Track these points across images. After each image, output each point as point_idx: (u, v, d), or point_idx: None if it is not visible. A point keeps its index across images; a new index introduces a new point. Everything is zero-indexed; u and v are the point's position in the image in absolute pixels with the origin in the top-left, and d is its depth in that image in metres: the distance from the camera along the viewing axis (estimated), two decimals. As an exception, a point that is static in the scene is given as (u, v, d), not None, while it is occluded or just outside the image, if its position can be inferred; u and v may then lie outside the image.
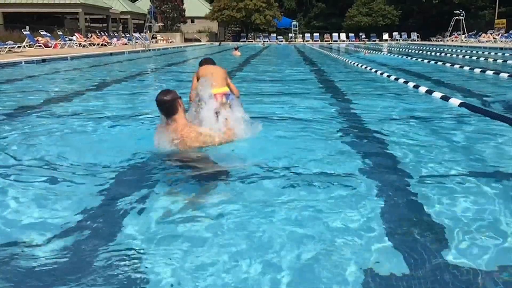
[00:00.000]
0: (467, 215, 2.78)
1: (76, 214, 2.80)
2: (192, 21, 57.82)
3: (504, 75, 11.16)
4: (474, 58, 19.21)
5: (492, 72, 12.08)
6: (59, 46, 27.87)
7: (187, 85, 9.62)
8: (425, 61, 17.59)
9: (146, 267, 2.20)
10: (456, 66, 14.69)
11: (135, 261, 2.26)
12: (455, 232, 2.54)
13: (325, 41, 54.58)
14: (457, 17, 39.34)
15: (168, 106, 3.79)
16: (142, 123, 5.56)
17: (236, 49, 23.07)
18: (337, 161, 3.94)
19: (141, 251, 2.35)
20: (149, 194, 3.13)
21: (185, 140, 3.75)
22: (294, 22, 57.01)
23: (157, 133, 3.97)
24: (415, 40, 52.22)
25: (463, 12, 39.83)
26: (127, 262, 2.24)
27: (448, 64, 15.56)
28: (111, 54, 23.16)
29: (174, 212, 2.82)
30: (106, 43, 33.74)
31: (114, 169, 3.66)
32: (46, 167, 3.74)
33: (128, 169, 3.68)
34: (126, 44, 35.47)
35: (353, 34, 55.40)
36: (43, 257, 2.29)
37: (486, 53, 22.97)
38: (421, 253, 2.30)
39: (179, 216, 2.76)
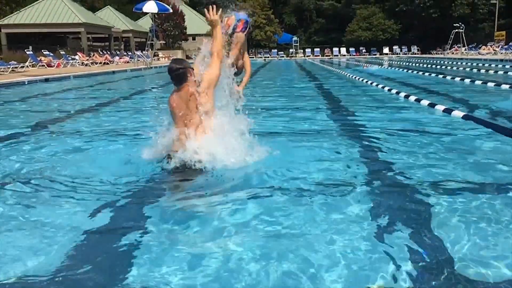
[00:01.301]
0: (475, 231, 2.76)
1: (77, 229, 2.79)
2: (194, 39, 58.24)
3: (505, 87, 11.18)
4: (475, 70, 19.26)
5: (494, 84, 12.11)
6: (62, 65, 28.08)
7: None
8: (426, 74, 17.64)
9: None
10: (457, 78, 14.73)
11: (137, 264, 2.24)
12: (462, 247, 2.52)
13: (326, 55, 54.87)
14: (456, 30, 39.61)
15: (178, 74, 3.91)
16: (145, 139, 5.56)
17: None
18: (337, 174, 3.92)
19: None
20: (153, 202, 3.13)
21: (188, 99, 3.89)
22: (295, 38, 57.41)
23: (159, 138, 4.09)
24: (415, 54, 52.47)
25: (463, 25, 40.12)
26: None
27: (448, 77, 15.60)
28: (113, 72, 23.32)
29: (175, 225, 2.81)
30: (108, 62, 33.97)
31: (118, 186, 3.66)
32: (48, 184, 3.74)
33: (132, 186, 3.67)
34: (128, 62, 35.72)
35: (353, 49, 55.71)
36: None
37: (486, 65, 23.03)
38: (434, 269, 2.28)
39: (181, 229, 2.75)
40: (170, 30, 52.60)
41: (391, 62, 31.14)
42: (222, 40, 4.21)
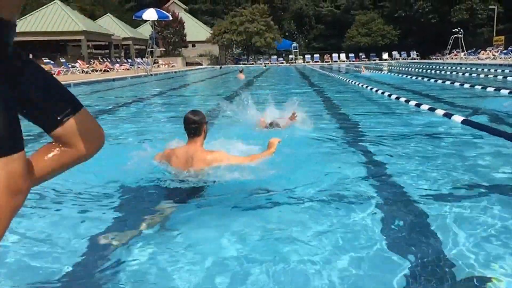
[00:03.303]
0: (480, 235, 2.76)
1: (76, 233, 2.79)
2: (193, 45, 58.43)
3: (504, 91, 11.20)
4: (474, 75, 19.29)
5: (493, 88, 12.13)
6: (62, 73, 28.15)
7: (188, 107, 9.70)
8: (425, 79, 17.68)
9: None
10: (457, 83, 14.76)
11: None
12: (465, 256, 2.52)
13: (325, 61, 54.99)
14: (455, 35, 39.72)
15: (194, 127, 3.85)
16: (144, 147, 5.57)
17: (240, 71, 23.24)
18: (338, 180, 3.92)
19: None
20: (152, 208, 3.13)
21: (193, 159, 3.79)
22: (294, 44, 57.55)
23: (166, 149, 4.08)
24: (414, 59, 52.60)
25: (462, 30, 40.23)
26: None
27: (448, 82, 15.63)
28: (113, 79, 23.37)
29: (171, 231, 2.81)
30: (108, 69, 34.05)
31: (115, 192, 3.66)
32: (44, 190, 3.74)
33: (130, 193, 3.67)
34: (128, 69, 35.81)
35: (353, 54, 55.85)
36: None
37: (486, 70, 23.08)
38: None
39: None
40: (170, 37, 52.77)
41: (390, 67, 31.20)
42: (261, 160, 4.03)
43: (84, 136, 1.77)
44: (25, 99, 1.69)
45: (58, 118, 1.72)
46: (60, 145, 1.76)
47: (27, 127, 1.66)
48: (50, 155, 1.77)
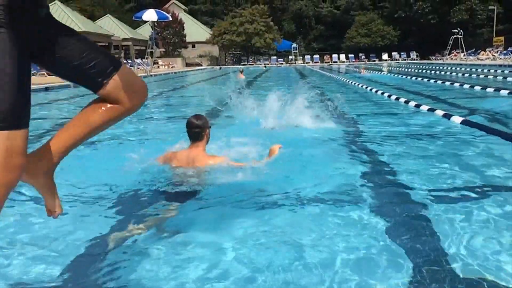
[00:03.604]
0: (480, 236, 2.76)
1: (75, 235, 2.79)
2: (193, 46, 58.44)
3: (504, 92, 11.21)
4: (474, 75, 19.30)
5: (493, 89, 12.13)
6: (62, 74, 28.10)
7: (188, 108, 9.76)
8: (425, 79, 17.69)
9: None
10: (456, 84, 14.76)
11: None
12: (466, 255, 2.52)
13: (325, 62, 55.01)
14: (455, 36, 39.74)
15: (196, 131, 3.86)
16: (142, 147, 5.57)
17: (241, 72, 23.25)
18: (338, 181, 3.92)
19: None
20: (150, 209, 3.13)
21: (194, 160, 3.81)
22: (294, 45, 57.57)
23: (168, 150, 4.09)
24: (414, 59, 52.63)
25: (461, 30, 40.26)
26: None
27: (448, 83, 15.63)
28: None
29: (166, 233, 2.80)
30: (108, 70, 33.99)
31: (114, 193, 3.66)
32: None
33: (129, 194, 3.67)
34: (128, 70, 35.68)
35: (352, 55, 55.88)
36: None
37: (486, 70, 23.09)
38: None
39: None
40: (170, 38, 52.79)
41: (390, 68, 31.22)
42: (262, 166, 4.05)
43: (128, 91, 1.85)
44: (66, 66, 1.76)
45: (100, 79, 1.80)
46: (107, 101, 1.85)
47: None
48: (98, 111, 1.86)
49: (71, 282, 2.34)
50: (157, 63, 45.25)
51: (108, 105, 1.86)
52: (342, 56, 56.50)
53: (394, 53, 55.40)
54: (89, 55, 1.78)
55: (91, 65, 1.77)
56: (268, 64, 52.65)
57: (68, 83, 19.81)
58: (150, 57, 32.83)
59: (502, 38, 44.19)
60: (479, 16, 52.17)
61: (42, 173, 1.86)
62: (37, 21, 1.66)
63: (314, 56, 57.62)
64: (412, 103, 9.26)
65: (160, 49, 52.27)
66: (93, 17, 53.16)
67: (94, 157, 5.17)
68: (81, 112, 1.90)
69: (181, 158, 3.89)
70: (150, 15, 29.09)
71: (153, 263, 2.49)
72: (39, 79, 24.11)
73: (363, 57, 55.26)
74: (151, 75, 28.58)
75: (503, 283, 2.19)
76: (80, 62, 1.76)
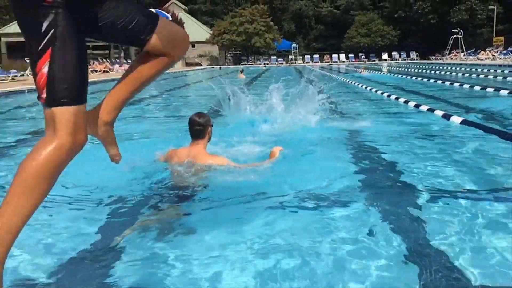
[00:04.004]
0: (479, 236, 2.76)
1: (75, 236, 2.79)
2: (193, 46, 58.33)
3: (504, 92, 11.21)
4: (474, 75, 19.30)
5: (493, 89, 12.14)
6: (62, 74, 28.08)
7: (188, 108, 9.76)
8: (425, 79, 17.69)
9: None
10: (456, 84, 14.76)
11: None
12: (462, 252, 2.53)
13: (325, 62, 55.00)
14: (455, 36, 39.76)
15: (198, 129, 3.86)
16: (142, 148, 5.58)
17: (241, 72, 23.26)
18: (338, 181, 3.93)
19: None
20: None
21: (194, 157, 3.82)
22: (294, 44, 57.56)
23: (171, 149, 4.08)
24: (414, 59, 52.64)
25: (461, 30, 40.28)
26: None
27: (447, 82, 15.64)
28: (113, 80, 23.35)
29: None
30: (108, 70, 34.07)
31: (114, 193, 3.66)
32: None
33: (130, 192, 3.68)
34: (128, 70, 35.71)
35: (352, 55, 55.87)
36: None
37: (485, 70, 23.09)
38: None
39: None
40: (170, 37, 52.72)
41: (390, 68, 31.22)
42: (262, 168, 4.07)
43: (170, 42, 1.99)
44: (111, 30, 1.88)
45: (143, 37, 1.92)
46: (153, 54, 1.99)
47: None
48: (146, 64, 2.01)
49: (73, 281, 2.34)
50: (157, 62, 45.12)
51: (154, 58, 2.00)
52: (342, 56, 56.48)
53: (394, 53, 55.39)
54: (129, 15, 1.88)
55: (133, 25, 1.89)
56: (268, 64, 52.63)
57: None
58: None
59: (502, 38, 44.20)
60: (479, 16, 52.18)
61: (103, 126, 2.08)
62: None
63: (314, 56, 57.59)
64: (411, 103, 9.26)
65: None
66: (93, 17, 53.04)
67: (95, 157, 5.17)
68: (130, 68, 2.06)
69: (182, 155, 3.90)
70: (150, 14, 29.04)
71: (151, 262, 2.49)
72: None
73: (363, 57, 55.25)
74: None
75: (504, 283, 2.20)
76: (123, 24, 1.87)
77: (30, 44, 1.72)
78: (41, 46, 1.68)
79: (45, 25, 1.67)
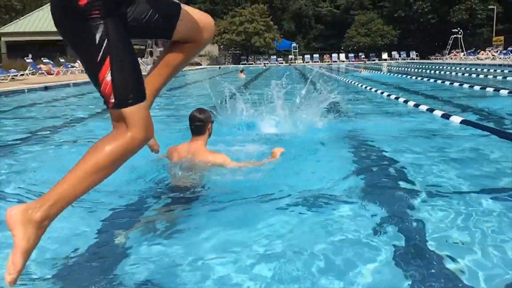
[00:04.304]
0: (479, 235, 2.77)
1: (73, 233, 2.79)
2: (193, 45, 58.35)
3: (504, 92, 11.21)
4: (474, 75, 19.30)
5: (493, 89, 12.13)
6: (62, 73, 28.12)
7: (188, 107, 9.70)
8: (425, 79, 17.69)
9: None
10: (456, 83, 14.76)
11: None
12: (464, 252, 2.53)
13: (325, 61, 54.96)
14: (455, 35, 39.76)
15: (198, 125, 3.87)
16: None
17: (241, 71, 23.25)
18: (338, 181, 3.93)
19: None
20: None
21: (194, 153, 3.82)
22: (294, 44, 57.52)
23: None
24: (414, 59, 52.62)
25: (461, 30, 40.27)
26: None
27: (447, 82, 15.63)
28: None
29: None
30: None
31: (115, 193, 3.66)
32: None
33: (130, 194, 3.68)
34: (127, 69, 35.65)
35: (352, 54, 55.84)
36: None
37: (485, 70, 23.08)
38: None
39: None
40: (170, 37, 52.74)
41: (389, 67, 31.21)
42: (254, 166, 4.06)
43: (195, 29, 2.09)
44: (137, 26, 1.99)
45: (168, 28, 2.04)
46: (182, 42, 2.11)
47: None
48: (175, 52, 2.13)
49: (75, 279, 2.35)
50: (157, 62, 45.15)
51: (182, 46, 2.11)
52: (342, 56, 56.44)
53: (394, 53, 55.36)
54: (152, 8, 1.99)
55: (156, 18, 2.00)
56: (268, 63, 52.61)
57: (67, 82, 19.82)
58: (150, 56, 32.83)
59: (502, 37, 44.19)
60: (478, 16, 52.17)
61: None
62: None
63: (314, 55, 57.54)
64: (411, 103, 9.27)
65: (160, 48, 52.20)
66: (92, 16, 53.00)
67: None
68: (159, 58, 2.19)
69: (182, 152, 3.90)
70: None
71: (151, 262, 2.49)
72: (39, 78, 24.11)
73: (362, 56, 55.21)
74: (151, 75, 28.46)
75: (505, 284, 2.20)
76: (147, 18, 1.98)
77: (83, 55, 1.88)
78: (99, 57, 1.80)
79: (98, 37, 1.79)
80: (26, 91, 16.43)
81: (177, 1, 2.07)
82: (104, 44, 1.79)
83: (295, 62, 54.65)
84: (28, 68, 25.81)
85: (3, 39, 39.75)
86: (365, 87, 14.37)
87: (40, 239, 1.80)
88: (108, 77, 1.82)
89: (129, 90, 1.84)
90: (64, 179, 1.88)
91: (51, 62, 29.58)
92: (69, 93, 16.03)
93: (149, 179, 3.88)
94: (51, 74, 27.13)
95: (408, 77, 20.14)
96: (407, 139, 5.90)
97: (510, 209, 3.16)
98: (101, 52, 1.80)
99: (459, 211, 3.13)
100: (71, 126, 8.04)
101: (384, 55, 55.20)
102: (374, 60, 53.59)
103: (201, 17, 2.12)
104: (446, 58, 43.19)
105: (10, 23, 41.56)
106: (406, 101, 9.71)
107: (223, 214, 3.21)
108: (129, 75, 1.85)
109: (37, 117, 9.53)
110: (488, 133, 5.87)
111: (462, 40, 40.33)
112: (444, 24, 50.43)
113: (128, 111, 1.84)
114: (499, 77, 17.28)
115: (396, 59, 53.44)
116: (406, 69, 29.11)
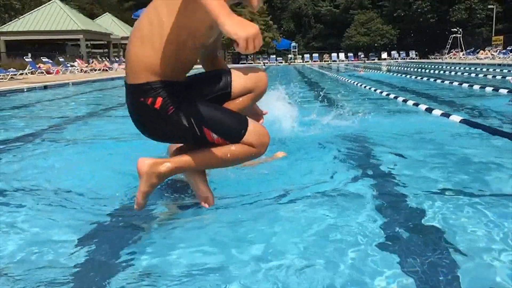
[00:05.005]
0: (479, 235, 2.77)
1: (75, 233, 2.79)
2: (192, 45, 58.33)
3: (503, 91, 11.21)
4: (473, 75, 19.31)
5: (492, 88, 12.14)
6: (61, 72, 28.12)
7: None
8: (424, 78, 17.69)
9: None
10: (455, 83, 14.77)
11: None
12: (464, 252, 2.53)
13: (325, 61, 54.96)
14: (454, 35, 39.78)
15: None
16: (143, 145, 5.57)
17: None
18: (337, 181, 3.93)
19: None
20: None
21: None
22: (293, 43, 57.54)
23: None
24: (413, 58, 52.64)
25: (460, 29, 40.30)
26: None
27: (447, 81, 15.64)
28: (112, 79, 23.35)
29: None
30: (107, 68, 34.03)
31: (115, 194, 3.66)
32: (44, 193, 3.73)
33: (131, 195, 3.68)
34: (127, 68, 35.63)
35: (352, 54, 55.86)
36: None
37: (485, 69, 23.10)
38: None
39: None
40: (169, 36, 52.69)
41: (389, 67, 31.22)
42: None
43: (250, 84, 2.45)
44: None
45: (227, 90, 2.42)
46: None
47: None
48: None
49: (78, 278, 2.34)
50: (156, 61, 45.08)
51: (245, 97, 2.46)
52: (342, 55, 56.44)
53: (394, 52, 55.37)
54: (206, 97, 2.41)
55: (211, 98, 2.41)
56: (267, 63, 52.60)
57: (66, 81, 19.82)
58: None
59: (501, 37, 44.21)
60: (478, 15, 52.21)
61: None
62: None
63: (313, 55, 57.54)
64: (410, 102, 9.27)
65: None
66: (92, 16, 53.06)
67: (96, 156, 5.17)
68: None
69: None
70: (149, 13, 29.01)
71: (151, 262, 2.49)
72: (38, 77, 24.10)
73: (362, 56, 55.24)
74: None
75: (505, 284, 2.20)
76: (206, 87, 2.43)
77: (180, 138, 2.38)
78: (198, 132, 2.25)
79: (185, 122, 2.22)
80: (25, 90, 16.42)
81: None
82: (193, 122, 2.21)
83: (294, 62, 54.66)
84: (27, 67, 25.80)
85: (2, 38, 39.72)
86: (364, 86, 14.36)
87: (156, 187, 2.50)
88: (215, 136, 2.26)
89: (234, 130, 2.27)
90: (192, 154, 2.35)
91: (50, 61, 29.58)
92: (68, 92, 16.01)
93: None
94: (51, 73, 27.14)
95: (408, 76, 20.15)
96: (407, 138, 5.89)
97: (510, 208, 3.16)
98: (196, 129, 2.22)
99: (460, 211, 3.13)
100: (70, 125, 8.04)
101: (384, 55, 55.23)
102: (373, 60, 53.61)
103: (253, 73, 2.45)
104: (446, 58, 43.17)
105: (9, 22, 41.52)
106: (405, 100, 9.71)
107: (223, 214, 3.20)
108: (225, 122, 2.27)
109: (36, 116, 9.52)
110: (488, 132, 5.87)
111: (461, 40, 40.33)
112: (443, 23, 50.45)
113: (245, 140, 2.30)
114: (499, 77, 17.27)
115: (395, 59, 53.44)
116: (405, 68, 29.11)
